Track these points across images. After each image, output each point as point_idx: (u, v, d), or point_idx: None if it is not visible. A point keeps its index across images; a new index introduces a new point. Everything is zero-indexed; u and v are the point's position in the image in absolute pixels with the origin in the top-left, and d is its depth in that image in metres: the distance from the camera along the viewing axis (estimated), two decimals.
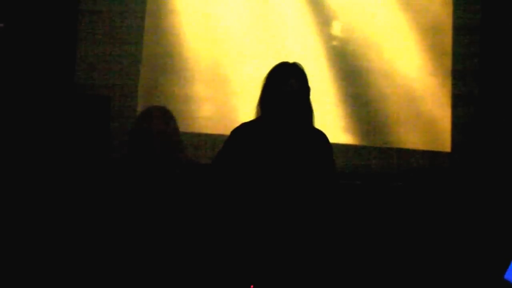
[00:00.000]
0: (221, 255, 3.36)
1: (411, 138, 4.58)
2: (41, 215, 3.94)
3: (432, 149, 4.58)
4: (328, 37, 4.56)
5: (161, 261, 4.17)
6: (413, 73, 4.61)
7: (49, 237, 3.94)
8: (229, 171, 3.27)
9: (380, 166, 4.53)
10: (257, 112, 3.38)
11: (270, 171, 3.21)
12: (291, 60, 3.39)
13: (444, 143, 4.60)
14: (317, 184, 3.23)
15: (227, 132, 4.26)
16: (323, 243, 3.27)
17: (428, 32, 4.63)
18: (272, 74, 3.31)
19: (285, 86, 3.23)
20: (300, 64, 3.34)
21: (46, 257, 3.93)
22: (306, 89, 3.30)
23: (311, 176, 3.23)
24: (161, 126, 4.38)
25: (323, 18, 4.56)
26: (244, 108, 4.32)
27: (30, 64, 4.20)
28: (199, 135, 4.42)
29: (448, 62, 4.63)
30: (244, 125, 3.34)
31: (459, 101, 4.62)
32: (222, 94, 4.46)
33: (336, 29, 4.56)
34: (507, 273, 3.29)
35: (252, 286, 3.19)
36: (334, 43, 4.56)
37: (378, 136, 4.55)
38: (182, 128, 4.39)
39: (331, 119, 4.46)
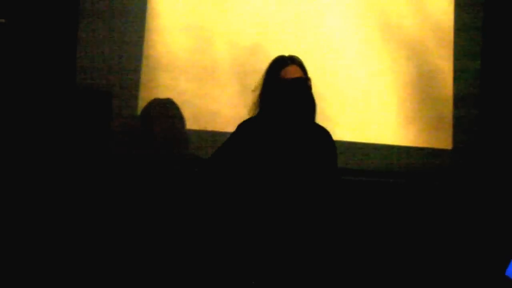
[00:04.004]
0: (223, 252, 3.35)
1: (412, 137, 4.58)
2: (43, 211, 3.94)
3: (434, 147, 4.58)
4: (328, 36, 4.56)
5: (162, 259, 4.17)
6: (415, 72, 4.61)
7: (50, 233, 3.94)
8: (229, 166, 3.26)
9: (381, 164, 4.53)
10: (257, 106, 3.39)
11: (274, 168, 3.20)
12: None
13: (446, 142, 4.60)
14: (322, 182, 3.23)
15: (228, 129, 4.29)
16: (328, 240, 3.26)
17: (430, 31, 4.63)
18: (271, 67, 3.38)
19: (285, 76, 3.28)
20: (297, 56, 3.41)
21: (47, 253, 3.93)
22: (306, 79, 3.34)
23: (316, 173, 3.22)
24: (161, 124, 4.38)
25: (323, 17, 4.56)
26: (245, 105, 4.32)
27: (31, 60, 4.20)
28: (200, 132, 4.42)
29: (449, 61, 4.63)
30: (247, 122, 3.33)
31: (460, 100, 4.61)
32: (223, 92, 4.46)
33: (336, 28, 4.56)
34: (508, 269, 3.29)
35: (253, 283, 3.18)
36: (334, 42, 4.56)
37: (380, 134, 4.55)
38: (182, 126, 4.40)
39: (333, 117, 4.45)
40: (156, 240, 4.22)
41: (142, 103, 4.43)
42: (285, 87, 3.25)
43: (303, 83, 3.31)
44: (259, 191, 3.19)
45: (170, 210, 4.26)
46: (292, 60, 3.38)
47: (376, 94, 4.57)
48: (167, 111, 4.40)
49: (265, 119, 3.28)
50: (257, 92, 3.40)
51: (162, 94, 4.44)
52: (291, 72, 3.31)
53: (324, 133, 3.33)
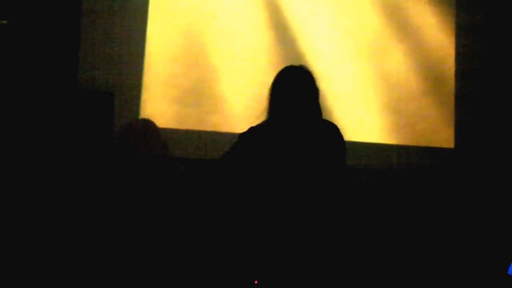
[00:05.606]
0: (231, 251, 3.34)
1: (413, 136, 4.59)
2: (45, 211, 3.94)
3: (435, 146, 4.60)
4: (330, 39, 4.57)
5: (164, 258, 4.18)
6: (417, 72, 4.62)
7: (52, 233, 3.94)
8: (238, 168, 3.22)
9: (381, 164, 4.55)
10: (266, 117, 3.34)
11: (282, 167, 3.18)
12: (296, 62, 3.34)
13: (447, 142, 4.62)
14: (329, 176, 3.19)
15: (228, 130, 4.32)
16: (337, 238, 3.23)
17: (431, 32, 4.65)
18: (280, 80, 3.19)
19: (295, 94, 3.13)
20: (306, 67, 3.22)
21: (49, 252, 3.93)
22: (315, 93, 3.20)
23: (324, 168, 3.19)
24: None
25: (327, 21, 4.57)
26: (246, 106, 4.34)
27: (32, 61, 4.20)
28: (201, 132, 4.43)
29: (451, 61, 4.65)
30: (253, 128, 3.29)
31: (462, 100, 4.63)
32: (223, 92, 4.47)
33: (340, 30, 4.58)
34: (511, 268, 3.31)
35: (256, 282, 3.18)
36: (335, 44, 4.58)
37: (380, 134, 4.56)
38: (183, 126, 4.41)
39: (334, 117, 4.46)
40: (158, 239, 4.22)
41: (143, 104, 4.44)
42: (294, 108, 3.14)
43: (311, 101, 3.20)
44: (269, 189, 3.18)
45: (172, 210, 4.26)
46: (301, 77, 3.17)
47: (377, 94, 4.58)
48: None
49: (272, 125, 3.21)
50: (267, 102, 3.24)
51: (164, 94, 4.44)
52: (300, 92, 3.13)
53: (331, 128, 3.27)
